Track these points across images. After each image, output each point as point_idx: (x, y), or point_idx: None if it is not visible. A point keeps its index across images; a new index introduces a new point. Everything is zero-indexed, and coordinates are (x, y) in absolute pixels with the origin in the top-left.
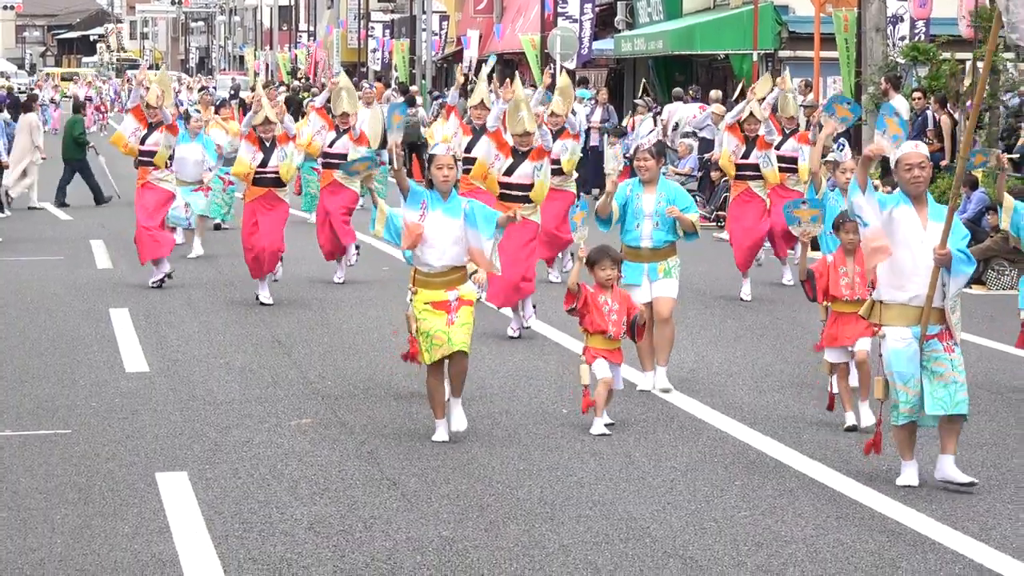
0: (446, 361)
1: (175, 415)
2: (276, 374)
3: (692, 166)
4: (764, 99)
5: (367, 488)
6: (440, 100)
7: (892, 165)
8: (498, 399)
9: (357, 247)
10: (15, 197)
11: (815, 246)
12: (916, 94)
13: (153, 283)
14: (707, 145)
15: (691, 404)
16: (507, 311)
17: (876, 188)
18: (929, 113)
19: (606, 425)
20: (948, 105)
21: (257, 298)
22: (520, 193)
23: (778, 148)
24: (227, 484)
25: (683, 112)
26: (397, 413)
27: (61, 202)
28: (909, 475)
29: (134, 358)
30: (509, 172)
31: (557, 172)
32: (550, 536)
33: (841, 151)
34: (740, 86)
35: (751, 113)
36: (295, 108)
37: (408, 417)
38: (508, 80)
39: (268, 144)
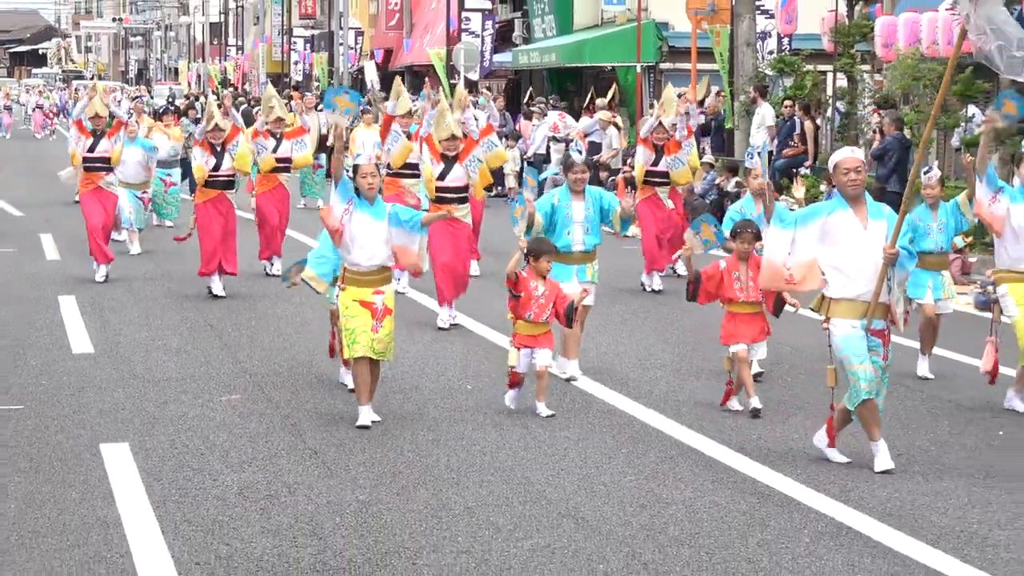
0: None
1: (117, 392)
2: (208, 355)
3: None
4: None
5: (291, 457)
6: (361, 106)
7: (831, 170)
8: (408, 377)
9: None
10: None
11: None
12: (786, 102)
13: (99, 279)
14: (595, 148)
15: (582, 381)
16: (431, 303)
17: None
18: (796, 119)
19: (512, 407)
20: (811, 112)
21: (210, 291)
22: (455, 195)
23: (655, 164)
24: (164, 454)
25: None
26: (318, 389)
27: None
28: (883, 459)
29: (80, 341)
30: (442, 176)
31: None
32: (456, 499)
33: (752, 159)
34: (612, 92)
35: (660, 123)
36: (245, 116)
37: (328, 393)
38: (431, 85)
39: (219, 149)
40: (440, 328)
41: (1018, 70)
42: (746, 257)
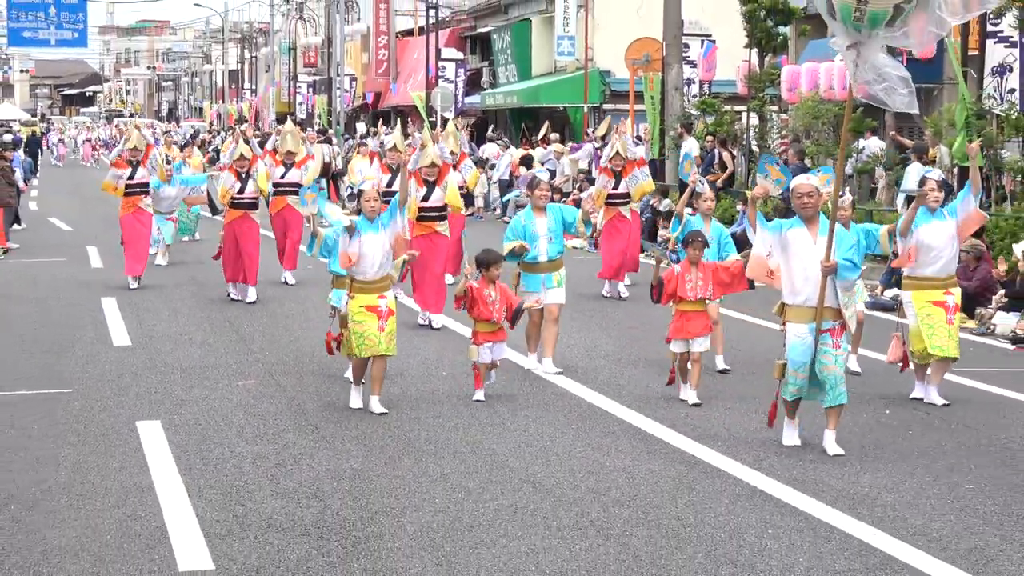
0: (371, 358)
1: (151, 378)
2: (227, 347)
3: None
4: (604, 135)
5: (296, 432)
6: (349, 140)
7: (791, 193)
8: (394, 365)
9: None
10: None
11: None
12: (708, 137)
13: (132, 287)
14: (550, 175)
15: (540, 369)
16: (412, 303)
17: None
18: (716, 151)
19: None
20: (728, 145)
21: (228, 296)
22: (436, 213)
23: (616, 188)
24: (190, 429)
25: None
26: (318, 375)
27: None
28: (790, 435)
29: (120, 335)
30: (426, 198)
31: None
32: (433, 467)
33: (701, 185)
34: (543, 131)
35: (617, 152)
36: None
37: (327, 378)
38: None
39: (244, 175)
40: (420, 324)
41: (908, 104)
42: (696, 262)
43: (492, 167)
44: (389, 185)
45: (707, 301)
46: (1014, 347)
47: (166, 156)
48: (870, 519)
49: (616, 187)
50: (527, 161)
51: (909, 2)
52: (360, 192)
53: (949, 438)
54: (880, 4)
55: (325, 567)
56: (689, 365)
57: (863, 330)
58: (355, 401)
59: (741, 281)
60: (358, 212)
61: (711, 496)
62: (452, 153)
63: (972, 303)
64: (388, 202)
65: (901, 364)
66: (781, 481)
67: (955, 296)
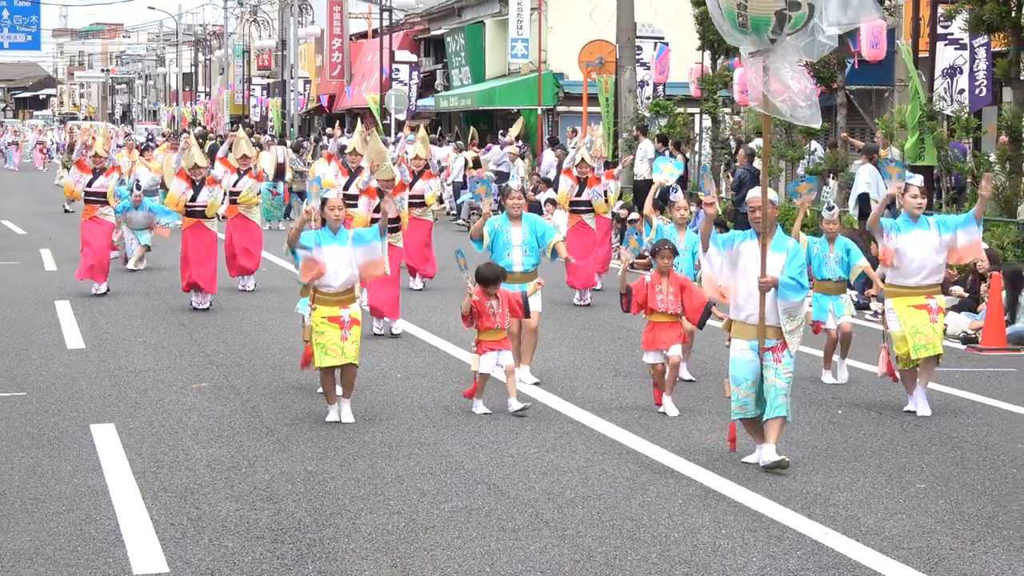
0: (337, 369)
1: (105, 380)
2: (181, 349)
3: (493, 192)
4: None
5: (250, 434)
6: (318, 141)
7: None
8: None
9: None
10: None
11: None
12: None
13: (95, 292)
14: (503, 177)
15: (495, 372)
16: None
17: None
18: (666, 153)
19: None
20: (681, 147)
21: (191, 304)
22: (390, 224)
23: (579, 195)
24: (144, 432)
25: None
26: (273, 378)
27: None
28: (760, 453)
29: (74, 338)
30: (378, 209)
31: (420, 204)
32: (388, 469)
33: (676, 193)
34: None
35: (582, 159)
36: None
37: (281, 381)
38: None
39: (197, 182)
40: (376, 333)
41: (809, 118)
42: (667, 272)
43: (442, 169)
44: (346, 188)
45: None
46: (965, 347)
47: (136, 181)
48: (823, 519)
49: (580, 193)
50: (476, 163)
51: (795, 9)
52: (324, 200)
53: (901, 437)
54: (760, 9)
55: (280, 569)
56: (666, 374)
57: (852, 340)
58: (331, 414)
59: (695, 316)
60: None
61: (665, 496)
62: (418, 158)
63: None
64: (352, 205)
65: (891, 377)
66: (734, 481)
67: (938, 301)
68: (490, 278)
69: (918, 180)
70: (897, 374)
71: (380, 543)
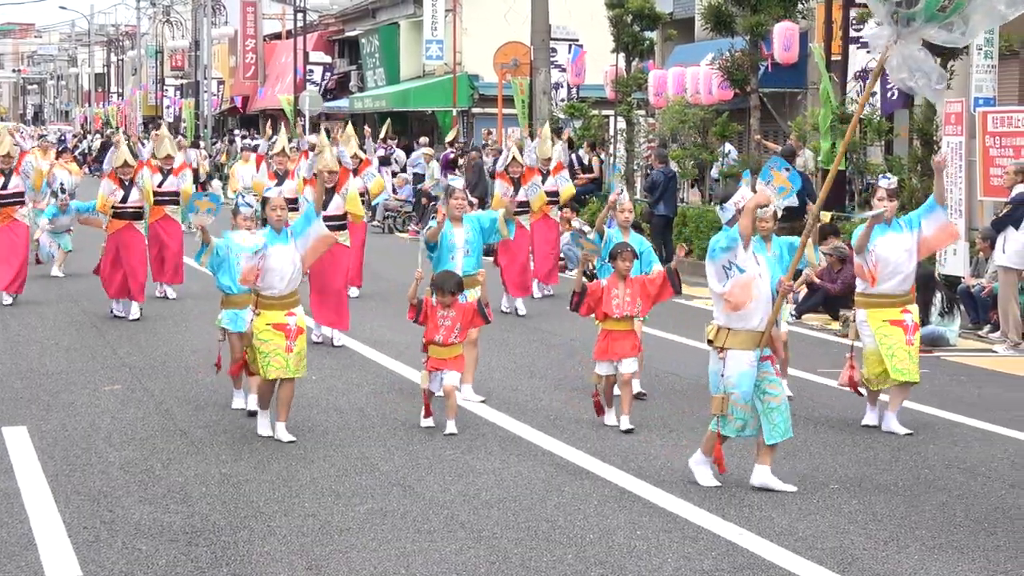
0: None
1: (17, 383)
2: (94, 351)
3: (407, 194)
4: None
5: (164, 437)
6: (216, 144)
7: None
8: None
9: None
10: None
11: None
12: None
13: (5, 303)
14: (418, 178)
15: (409, 375)
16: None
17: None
18: (581, 153)
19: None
20: (596, 148)
21: (111, 312)
22: (336, 223)
23: (515, 196)
24: (57, 435)
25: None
26: (187, 380)
27: None
28: (705, 474)
29: None
30: (324, 206)
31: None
32: (303, 471)
33: (622, 195)
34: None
35: (513, 158)
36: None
37: (195, 383)
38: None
39: (127, 183)
40: (315, 342)
41: (935, 95)
42: (624, 276)
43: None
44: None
45: (634, 319)
46: None
47: (61, 185)
48: (737, 519)
49: (515, 195)
50: (385, 162)
51: None
52: (265, 200)
53: (814, 438)
54: None
55: (194, 572)
56: (617, 389)
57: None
58: (263, 428)
59: (667, 288)
60: (264, 222)
61: (580, 498)
62: (355, 157)
63: (836, 305)
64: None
65: (851, 388)
66: (649, 482)
67: (913, 314)
68: (445, 286)
69: (890, 182)
70: (861, 389)
71: (295, 545)
